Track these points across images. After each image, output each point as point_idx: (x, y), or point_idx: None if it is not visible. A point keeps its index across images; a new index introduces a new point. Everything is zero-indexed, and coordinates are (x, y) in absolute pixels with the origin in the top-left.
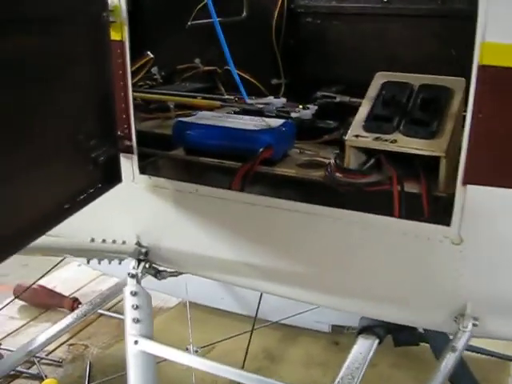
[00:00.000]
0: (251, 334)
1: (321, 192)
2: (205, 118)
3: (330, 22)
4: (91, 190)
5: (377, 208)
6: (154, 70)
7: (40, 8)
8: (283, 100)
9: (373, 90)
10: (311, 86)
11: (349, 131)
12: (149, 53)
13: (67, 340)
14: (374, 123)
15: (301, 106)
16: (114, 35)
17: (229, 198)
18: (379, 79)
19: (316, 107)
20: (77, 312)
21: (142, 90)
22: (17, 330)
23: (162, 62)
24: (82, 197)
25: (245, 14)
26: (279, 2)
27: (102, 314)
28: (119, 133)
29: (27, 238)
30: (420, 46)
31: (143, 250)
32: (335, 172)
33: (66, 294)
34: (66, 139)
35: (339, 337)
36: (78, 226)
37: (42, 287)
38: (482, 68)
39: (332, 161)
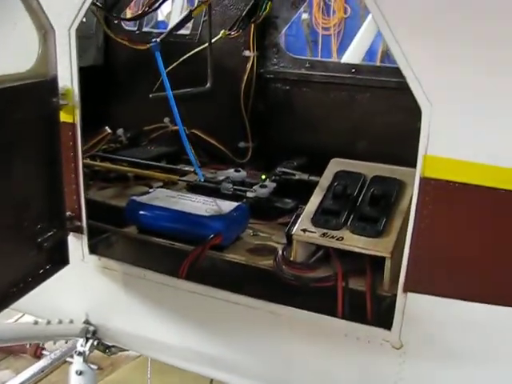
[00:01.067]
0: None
1: (269, 280)
2: (159, 197)
3: (299, 89)
4: (37, 273)
5: (324, 302)
6: (120, 131)
7: None
8: (243, 174)
9: (326, 179)
10: (277, 150)
11: (296, 225)
12: (107, 128)
13: None
14: (323, 217)
15: (263, 177)
16: (65, 117)
17: (175, 286)
18: (333, 167)
19: (274, 184)
20: (41, 363)
21: (105, 156)
22: None
23: (129, 123)
24: (28, 280)
25: (208, 85)
26: (248, 68)
27: (66, 361)
28: (69, 213)
29: None
30: (386, 117)
31: (91, 329)
32: (282, 264)
33: None
34: (8, 228)
35: None
36: (25, 305)
37: None
38: (423, 180)
39: (279, 252)
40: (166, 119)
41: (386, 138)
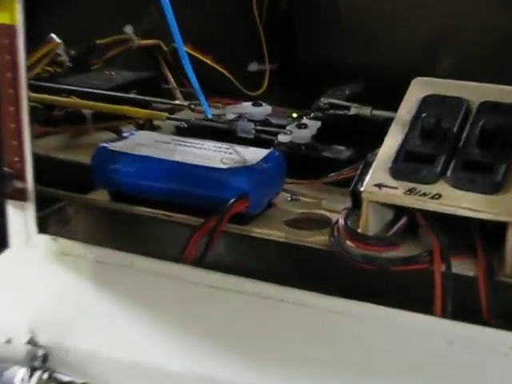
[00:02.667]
0: None
1: (323, 264)
2: (143, 144)
3: None
4: None
5: (411, 295)
6: (60, 46)
7: None
8: (267, 109)
9: (407, 109)
10: (313, 75)
11: (367, 177)
12: (53, 36)
13: None
14: (408, 166)
15: (295, 115)
16: (2, 17)
17: (178, 276)
18: (417, 90)
19: (318, 123)
20: None
21: (41, 85)
22: None
23: (72, 35)
24: None
25: None
26: None
27: None
28: (6, 169)
29: None
30: (482, 18)
31: (40, 353)
32: (345, 239)
33: None
34: None
35: None
36: None
37: None
38: None
39: (341, 221)
40: (129, 28)
41: (482, 50)
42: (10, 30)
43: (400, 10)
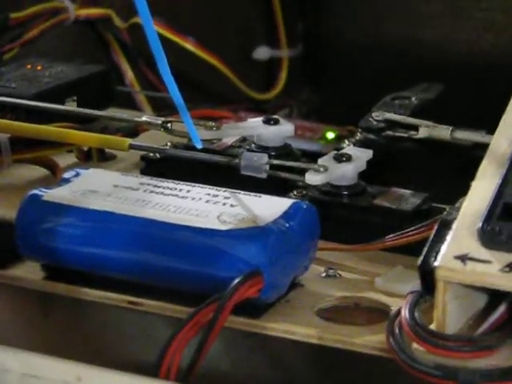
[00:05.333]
0: None
1: (374, 377)
2: (95, 189)
3: None
4: None
5: None
6: None
7: None
8: (287, 128)
9: (507, 136)
10: (352, 66)
11: (446, 245)
12: None
13: None
14: (508, 226)
15: (331, 135)
16: None
17: None
18: None
19: (370, 153)
20: None
21: None
22: None
23: None
24: None
25: None
26: None
27: None
28: None
29: None
30: None
31: None
32: (411, 339)
33: None
34: None
35: None
36: None
37: None
38: None
39: (405, 312)
40: None
41: None
42: None
43: None
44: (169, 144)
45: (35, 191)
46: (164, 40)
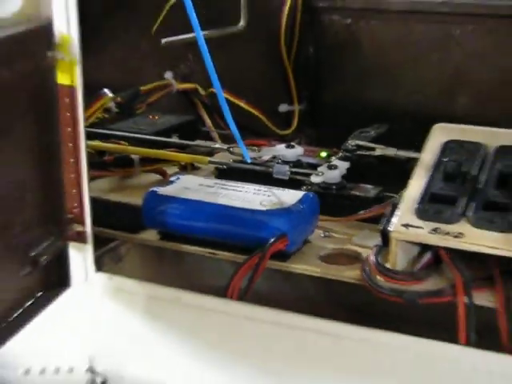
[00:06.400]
0: None
1: (356, 297)
2: (188, 188)
3: (367, 23)
4: (29, 302)
5: (437, 326)
6: (107, 94)
7: None
8: (299, 150)
9: (430, 153)
10: (340, 115)
11: (395, 218)
12: (106, 91)
13: None
14: (432, 207)
15: (324, 154)
16: (63, 78)
17: (223, 311)
18: (439, 135)
19: (347, 164)
20: None
21: (92, 132)
22: None
23: (117, 83)
24: (16, 313)
25: (242, 23)
26: None
27: None
28: (68, 215)
29: None
30: (499, 60)
31: (98, 380)
32: (375, 274)
33: None
34: None
35: None
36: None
37: None
38: None
39: (371, 257)
40: (169, 74)
41: (500, 90)
42: (70, 90)
43: (420, 54)
44: (231, 160)
45: (153, 188)
46: (228, 101)
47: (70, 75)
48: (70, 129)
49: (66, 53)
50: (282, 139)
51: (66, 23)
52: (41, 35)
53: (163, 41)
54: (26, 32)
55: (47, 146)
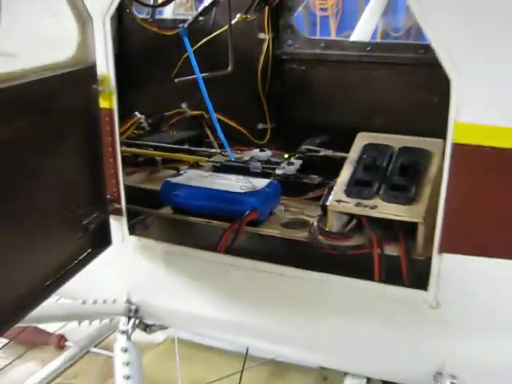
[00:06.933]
0: (241, 374)
1: (305, 251)
2: (192, 178)
3: (315, 69)
4: (82, 256)
5: (360, 269)
6: (142, 118)
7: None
8: (268, 154)
9: (354, 153)
10: (296, 129)
11: (331, 196)
12: (137, 113)
13: (52, 380)
14: (355, 188)
15: (286, 156)
16: (104, 103)
17: (215, 261)
18: (361, 140)
19: (300, 161)
20: (64, 356)
21: (131, 142)
22: (1, 369)
23: (149, 109)
24: (73, 264)
25: (230, 68)
26: (264, 50)
27: (88, 351)
28: (109, 196)
29: (26, 309)
30: (402, 93)
31: (133, 308)
32: (318, 235)
33: (51, 330)
34: (56, 212)
35: (328, 372)
36: (68, 287)
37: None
38: (455, 146)
39: (315, 223)
40: (184, 105)
41: (403, 113)
42: (109, 111)
43: (350, 89)
44: (223, 160)
45: (168, 178)
46: (222, 121)
47: (109, 101)
48: (110, 138)
49: (106, 86)
50: (259, 146)
51: (106, 65)
52: (88, 73)
53: (176, 80)
54: (78, 71)
55: (94, 151)
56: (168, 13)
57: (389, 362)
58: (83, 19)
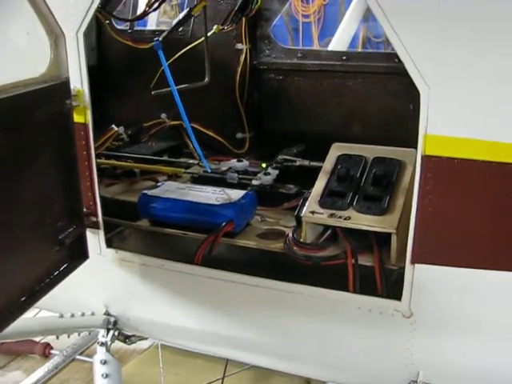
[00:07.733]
0: (222, 381)
1: (281, 262)
2: (169, 190)
3: (293, 78)
4: (59, 270)
5: (335, 280)
6: (121, 129)
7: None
8: (245, 164)
9: (329, 163)
10: (274, 138)
11: (305, 207)
12: (114, 126)
13: None
14: (329, 199)
15: (263, 165)
16: (78, 118)
17: (192, 273)
18: (335, 151)
19: (277, 171)
20: (48, 365)
21: (109, 154)
22: None
23: (128, 120)
24: (50, 278)
25: (207, 79)
26: (242, 60)
27: (73, 359)
28: (85, 210)
29: (2, 324)
30: (378, 101)
31: (112, 320)
32: (293, 245)
33: (37, 339)
34: (32, 226)
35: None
36: (46, 301)
37: None
38: (425, 158)
39: (290, 234)
40: (163, 115)
41: (379, 121)
42: (83, 126)
43: (326, 98)
44: (201, 171)
45: (145, 191)
46: (200, 131)
47: (84, 116)
48: (85, 152)
49: (80, 101)
50: (238, 156)
51: (79, 81)
52: (61, 89)
53: (153, 92)
54: (51, 87)
55: (69, 165)
56: (152, 21)
57: (364, 371)
58: (55, 35)
